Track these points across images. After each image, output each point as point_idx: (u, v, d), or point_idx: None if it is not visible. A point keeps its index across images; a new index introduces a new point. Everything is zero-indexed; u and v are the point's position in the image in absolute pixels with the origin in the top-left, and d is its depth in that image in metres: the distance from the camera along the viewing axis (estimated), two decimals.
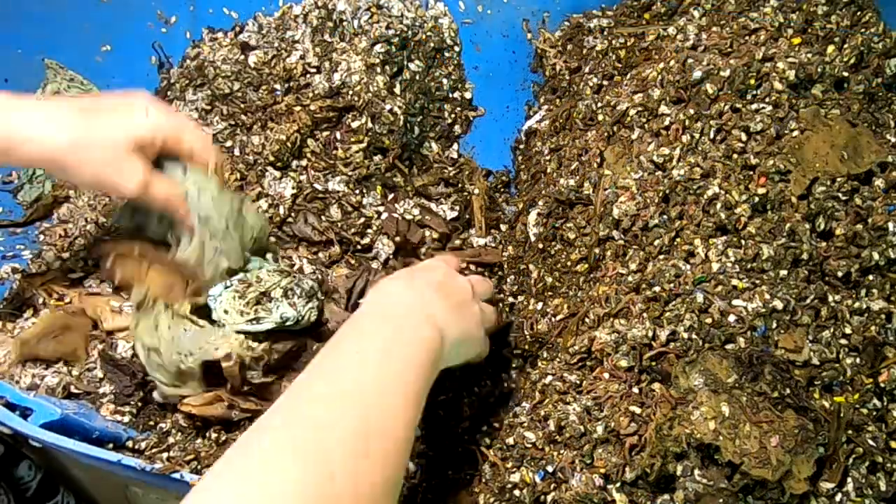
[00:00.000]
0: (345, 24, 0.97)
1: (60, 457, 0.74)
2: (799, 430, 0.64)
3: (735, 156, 0.76)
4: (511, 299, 0.91)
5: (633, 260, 0.76)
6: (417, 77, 0.99)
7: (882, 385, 0.70)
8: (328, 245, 0.85)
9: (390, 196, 0.90)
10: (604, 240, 0.79)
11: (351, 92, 0.91)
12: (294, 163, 0.90)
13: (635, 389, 0.68)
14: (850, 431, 0.67)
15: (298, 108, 0.90)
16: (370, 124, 0.91)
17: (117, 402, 0.74)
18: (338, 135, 0.91)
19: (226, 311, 0.70)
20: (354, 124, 0.91)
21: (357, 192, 0.88)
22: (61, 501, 0.82)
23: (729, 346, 0.68)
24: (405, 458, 0.53)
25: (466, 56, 1.05)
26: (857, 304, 0.71)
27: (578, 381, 0.73)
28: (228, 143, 0.91)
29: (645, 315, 0.71)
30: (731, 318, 0.69)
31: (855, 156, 0.75)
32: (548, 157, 0.94)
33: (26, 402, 0.66)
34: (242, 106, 0.92)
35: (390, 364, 0.55)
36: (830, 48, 0.81)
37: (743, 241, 0.73)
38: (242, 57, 0.95)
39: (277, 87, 0.93)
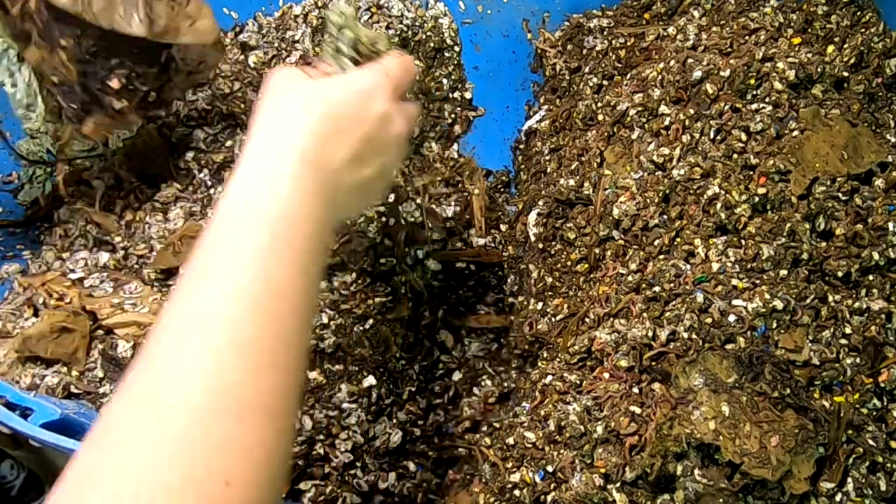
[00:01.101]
0: None
1: (54, 457, 0.74)
2: (799, 430, 0.64)
3: (735, 156, 0.76)
4: (511, 299, 0.91)
5: (633, 260, 0.76)
6: (417, 77, 0.99)
7: (882, 385, 0.70)
8: None
9: (391, 197, 0.90)
10: (604, 240, 0.79)
11: None
12: None
13: (635, 389, 0.68)
14: (850, 431, 0.67)
15: None
16: None
17: None
18: None
19: None
20: None
21: None
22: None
23: (729, 346, 0.68)
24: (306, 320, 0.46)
25: (466, 56, 1.05)
26: (857, 304, 0.71)
27: (578, 381, 0.73)
28: (228, 143, 0.91)
29: (645, 315, 0.72)
30: (731, 317, 0.69)
31: (855, 156, 0.75)
32: (548, 157, 0.94)
33: (26, 402, 0.66)
34: (242, 106, 0.92)
35: (272, 293, 0.44)
36: (830, 48, 0.81)
37: (743, 241, 0.73)
38: (242, 57, 0.95)
39: None
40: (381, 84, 0.55)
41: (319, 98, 0.52)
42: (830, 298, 0.71)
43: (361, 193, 0.56)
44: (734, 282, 0.70)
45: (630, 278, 0.75)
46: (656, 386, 0.68)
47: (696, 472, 0.64)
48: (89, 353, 0.77)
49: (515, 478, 0.71)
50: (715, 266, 0.71)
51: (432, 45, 1.01)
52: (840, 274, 0.72)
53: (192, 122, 0.92)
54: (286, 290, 0.45)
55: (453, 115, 1.04)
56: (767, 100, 0.78)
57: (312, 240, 0.48)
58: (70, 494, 0.39)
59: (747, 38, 0.83)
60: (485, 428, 0.81)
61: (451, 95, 1.04)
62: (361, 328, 0.81)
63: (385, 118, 0.55)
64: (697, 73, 0.81)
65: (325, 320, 0.80)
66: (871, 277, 0.73)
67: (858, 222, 0.73)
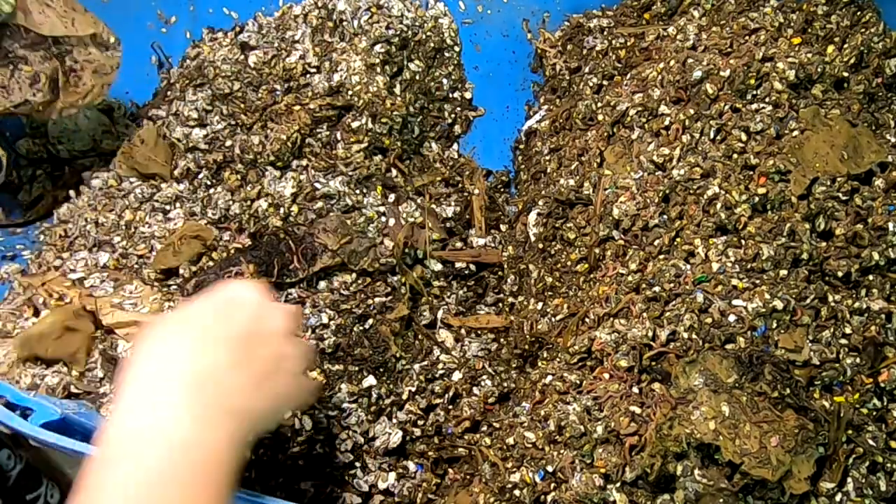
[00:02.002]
0: (345, 24, 0.97)
1: (53, 453, 0.74)
2: (799, 430, 0.64)
3: (735, 156, 0.76)
4: (511, 299, 0.91)
5: (633, 260, 0.76)
6: (417, 77, 0.99)
7: (882, 385, 0.70)
8: None
9: (391, 197, 0.90)
10: (604, 240, 0.79)
11: (351, 92, 0.91)
12: (294, 162, 0.90)
13: (635, 389, 0.68)
14: (850, 431, 0.67)
15: (298, 108, 0.90)
16: (370, 124, 0.91)
17: None
18: (338, 135, 0.91)
19: None
20: (354, 124, 0.91)
21: (357, 191, 0.88)
22: (45, 494, 0.82)
23: (729, 346, 0.68)
24: None
25: (466, 56, 1.05)
26: (857, 304, 0.71)
27: (578, 381, 0.73)
28: (228, 143, 0.91)
29: (645, 315, 0.71)
30: (731, 318, 0.69)
31: (855, 156, 0.75)
32: (548, 157, 0.94)
33: (26, 402, 0.66)
34: (242, 106, 0.92)
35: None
36: (830, 48, 0.81)
37: (743, 241, 0.73)
38: (242, 57, 0.95)
39: (277, 87, 0.93)
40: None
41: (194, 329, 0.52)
42: (830, 298, 0.71)
43: (269, 418, 0.56)
44: (734, 282, 0.70)
45: (630, 278, 0.74)
46: (656, 386, 0.68)
47: (696, 472, 0.64)
48: (90, 353, 0.77)
49: (515, 478, 0.71)
50: (715, 266, 0.71)
51: (432, 45, 1.01)
52: (840, 274, 0.72)
53: (193, 122, 0.92)
54: None
55: (453, 115, 1.04)
56: (767, 100, 0.78)
57: (206, 465, 0.47)
58: None
59: (747, 38, 0.83)
60: (485, 428, 0.81)
61: (451, 95, 1.04)
62: (361, 328, 0.81)
63: (260, 314, 0.55)
64: (697, 73, 0.81)
65: (325, 320, 0.80)
66: (871, 277, 0.73)
67: (858, 222, 0.73)
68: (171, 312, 0.55)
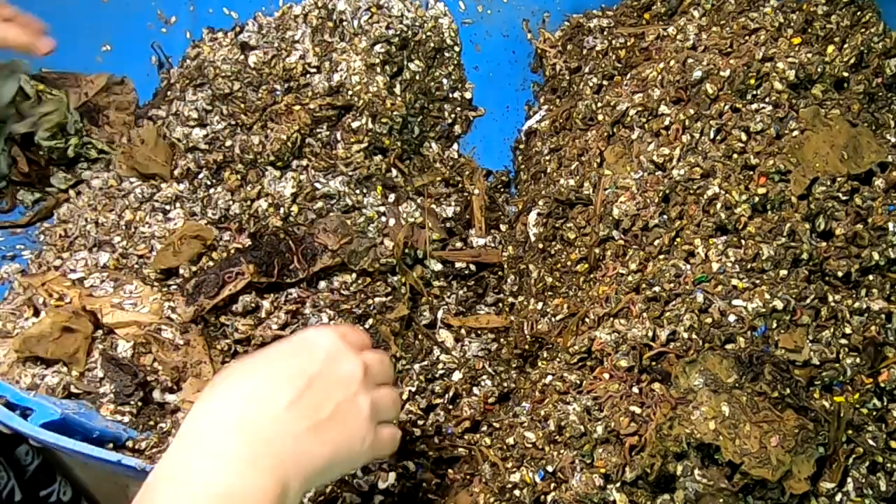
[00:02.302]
0: (345, 24, 0.97)
1: (61, 454, 0.75)
2: (799, 430, 0.64)
3: (735, 156, 0.76)
4: (511, 299, 0.91)
5: (633, 260, 0.76)
6: (417, 77, 0.99)
7: (882, 385, 0.70)
8: None
9: (391, 197, 0.90)
10: (604, 240, 0.79)
11: (351, 92, 0.91)
12: (294, 162, 0.90)
13: (635, 389, 0.68)
14: (850, 431, 0.67)
15: (298, 108, 0.90)
16: (370, 124, 0.91)
17: (117, 402, 0.74)
18: (338, 135, 0.91)
19: None
20: (354, 124, 0.91)
21: (357, 192, 0.88)
22: (58, 490, 0.82)
23: (729, 346, 0.68)
24: None
25: (466, 56, 1.05)
26: (857, 304, 0.71)
27: (578, 381, 0.73)
28: (228, 143, 0.91)
29: (645, 315, 0.72)
30: (731, 318, 0.69)
31: (855, 156, 0.75)
32: (548, 157, 0.94)
33: (26, 401, 0.66)
34: (242, 106, 0.92)
35: None
36: (830, 48, 0.81)
37: (743, 241, 0.73)
38: (242, 57, 0.95)
39: (277, 87, 0.93)
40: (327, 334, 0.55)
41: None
42: (830, 298, 0.71)
43: (328, 475, 0.53)
44: (734, 282, 0.70)
45: (630, 278, 0.75)
46: (656, 386, 0.68)
47: (696, 472, 0.64)
48: (89, 353, 0.77)
49: (515, 478, 0.71)
50: (715, 266, 0.71)
51: (432, 45, 1.01)
52: (840, 274, 0.72)
53: (193, 122, 0.92)
54: None
55: (453, 115, 1.04)
56: (767, 100, 0.78)
57: None
58: None
59: (747, 38, 0.83)
60: (485, 428, 0.81)
61: (451, 95, 1.04)
62: (361, 328, 0.81)
63: (330, 357, 0.53)
64: (697, 73, 0.81)
65: (326, 320, 0.80)
66: (871, 277, 0.73)
67: (858, 222, 0.73)
68: (246, 357, 0.53)
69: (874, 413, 0.69)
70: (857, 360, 0.69)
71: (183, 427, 0.48)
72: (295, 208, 0.85)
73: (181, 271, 0.82)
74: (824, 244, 0.73)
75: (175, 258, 0.81)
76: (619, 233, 0.78)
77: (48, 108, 0.91)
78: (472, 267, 0.92)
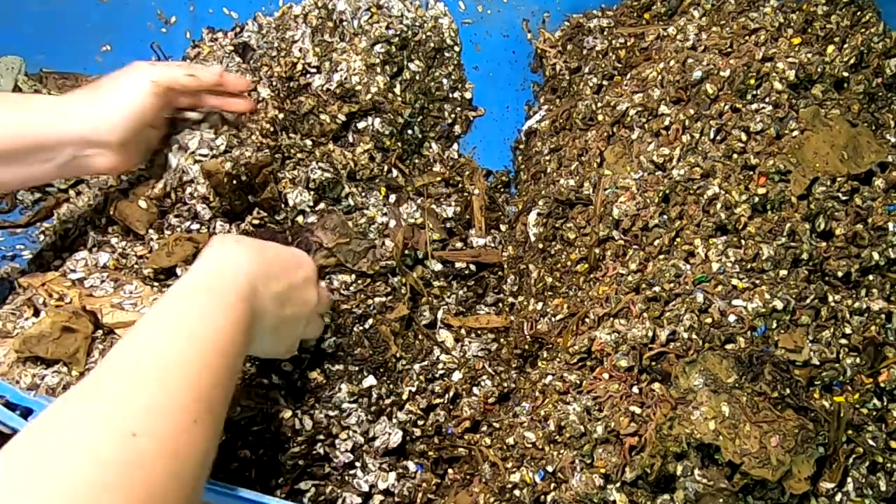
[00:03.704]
0: (345, 24, 0.97)
1: None
2: (799, 430, 0.64)
3: (735, 156, 0.76)
4: (511, 299, 0.91)
5: (633, 260, 0.76)
6: (417, 77, 0.99)
7: (882, 385, 0.70)
8: None
9: (393, 198, 0.90)
10: (604, 240, 0.79)
11: (361, 94, 0.91)
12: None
13: (635, 389, 0.68)
14: (850, 431, 0.67)
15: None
16: (376, 126, 0.91)
17: None
18: (351, 137, 0.91)
19: None
20: (361, 125, 0.91)
21: (361, 193, 0.88)
22: None
23: (729, 346, 0.68)
24: (209, 433, 0.52)
25: (466, 56, 1.05)
26: (857, 304, 0.71)
27: (578, 381, 0.73)
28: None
29: (645, 315, 0.72)
30: (731, 318, 0.69)
31: (855, 156, 0.75)
32: (548, 157, 0.94)
33: (26, 401, 0.66)
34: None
35: (191, 339, 0.53)
36: (830, 48, 0.81)
37: (743, 241, 0.73)
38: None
39: (278, 87, 0.93)
40: (310, 261, 0.72)
41: (262, 245, 0.66)
42: (830, 298, 0.71)
43: (278, 334, 0.66)
44: (734, 282, 0.70)
45: (630, 278, 0.75)
46: (656, 386, 0.68)
47: (696, 472, 0.64)
48: (90, 353, 0.77)
49: (515, 478, 0.71)
50: (715, 266, 0.71)
51: (432, 45, 1.01)
52: (840, 274, 0.72)
53: (193, 123, 0.92)
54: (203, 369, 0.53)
55: (453, 115, 1.04)
56: (767, 100, 0.78)
57: (225, 355, 0.55)
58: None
59: (747, 38, 0.83)
60: (485, 428, 0.81)
61: (451, 95, 1.04)
62: (361, 328, 0.81)
63: (307, 280, 0.69)
64: (697, 73, 0.81)
65: (326, 320, 0.80)
66: (871, 277, 0.73)
67: (858, 222, 0.73)
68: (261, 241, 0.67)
69: (874, 413, 0.69)
70: (857, 360, 0.69)
71: (195, 267, 0.60)
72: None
73: (178, 272, 0.82)
74: (824, 244, 0.73)
75: (168, 259, 0.81)
76: (619, 233, 0.78)
77: None
78: (472, 267, 0.92)
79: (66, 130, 0.73)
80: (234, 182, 0.80)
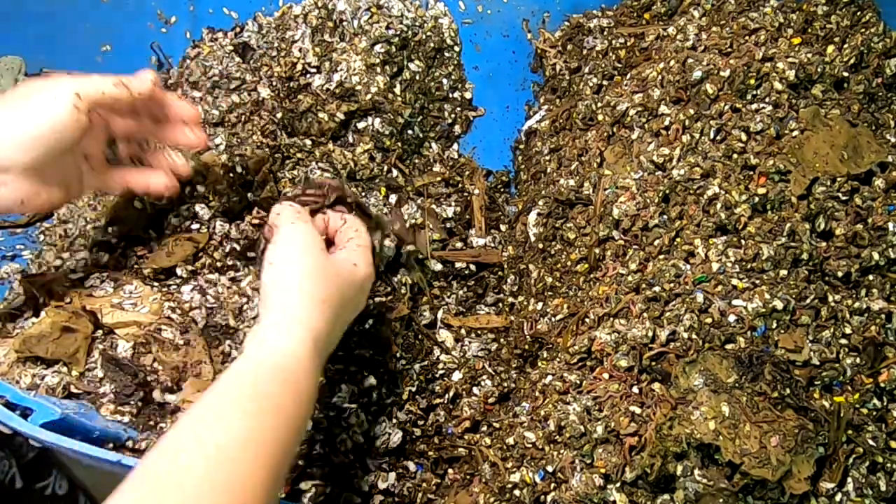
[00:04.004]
0: (345, 24, 0.97)
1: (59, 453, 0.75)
2: (799, 430, 0.64)
3: (735, 156, 0.76)
4: (511, 299, 0.91)
5: (633, 260, 0.76)
6: (417, 77, 0.99)
7: (882, 385, 0.70)
8: None
9: (393, 198, 0.90)
10: (604, 240, 0.79)
11: (361, 94, 0.91)
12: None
13: (635, 389, 0.68)
14: (850, 431, 0.67)
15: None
16: (376, 126, 0.91)
17: (117, 402, 0.74)
18: (351, 137, 0.91)
19: None
20: (361, 125, 0.91)
21: (362, 193, 0.88)
22: (53, 484, 0.82)
23: (729, 346, 0.68)
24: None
25: (466, 56, 1.05)
26: (857, 304, 0.71)
27: (578, 381, 0.73)
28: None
29: (645, 315, 0.72)
30: (731, 318, 0.69)
31: (855, 156, 0.75)
32: (548, 157, 0.94)
33: (26, 401, 0.66)
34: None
35: (261, 417, 0.53)
36: (830, 48, 0.81)
37: (743, 241, 0.73)
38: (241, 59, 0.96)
39: (278, 86, 0.93)
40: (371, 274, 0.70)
41: (331, 284, 0.63)
42: (830, 298, 0.71)
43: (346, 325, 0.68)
44: (734, 282, 0.70)
45: (630, 278, 0.75)
46: (656, 386, 0.68)
47: (696, 472, 0.64)
48: (90, 353, 0.77)
49: (515, 478, 0.71)
50: (715, 266, 0.71)
51: (432, 45, 1.01)
52: (840, 274, 0.72)
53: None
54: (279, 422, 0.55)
55: (453, 115, 1.04)
56: (767, 100, 0.78)
57: (303, 387, 0.57)
58: None
59: (747, 38, 0.83)
60: (485, 428, 0.81)
61: (451, 95, 1.04)
62: (361, 328, 0.81)
63: (365, 281, 0.69)
64: (697, 73, 0.81)
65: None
66: (871, 277, 0.73)
67: (858, 222, 0.73)
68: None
69: (874, 413, 0.69)
70: (857, 360, 0.69)
71: (264, 324, 0.60)
72: None
73: (178, 272, 0.82)
74: (824, 244, 0.73)
75: (168, 259, 0.81)
76: (619, 233, 0.78)
77: None
78: (472, 267, 0.92)
79: None
80: (231, 175, 0.79)
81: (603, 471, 0.66)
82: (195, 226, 0.82)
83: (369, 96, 0.91)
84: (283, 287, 0.61)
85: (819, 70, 0.78)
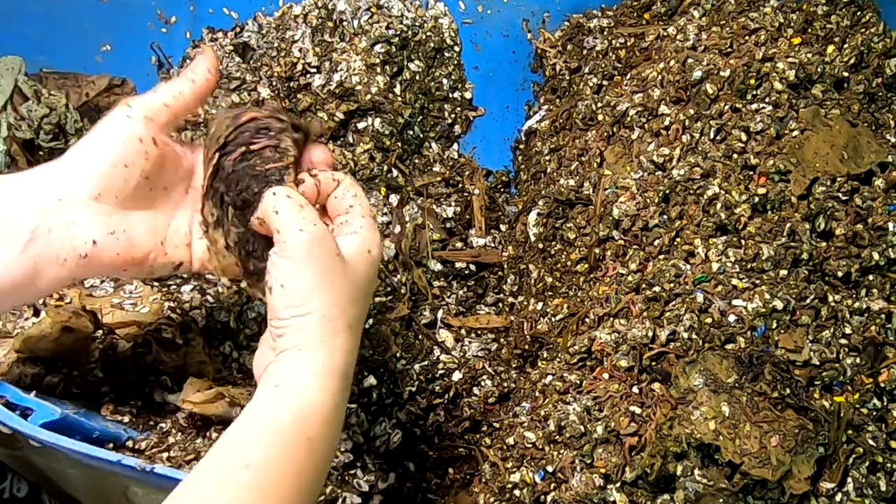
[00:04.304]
0: (345, 24, 0.97)
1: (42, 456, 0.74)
2: (799, 430, 0.64)
3: (735, 156, 0.76)
4: (511, 299, 0.91)
5: (633, 260, 0.76)
6: (417, 77, 0.99)
7: (882, 385, 0.70)
8: None
9: (393, 198, 0.90)
10: (604, 240, 0.79)
11: (361, 93, 0.91)
12: None
13: (635, 389, 0.68)
14: (850, 431, 0.67)
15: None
16: (376, 126, 0.91)
17: (117, 402, 0.74)
18: (350, 137, 0.91)
19: None
20: (360, 125, 0.91)
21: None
22: (10, 489, 0.81)
23: (729, 346, 0.68)
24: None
25: (466, 56, 1.05)
26: (857, 304, 0.71)
27: (578, 381, 0.73)
28: None
29: (645, 315, 0.72)
30: (731, 318, 0.69)
31: (855, 156, 0.75)
32: (548, 157, 0.94)
33: (26, 401, 0.66)
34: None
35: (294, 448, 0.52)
36: (830, 48, 0.81)
37: (743, 241, 0.73)
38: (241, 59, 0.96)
39: (278, 86, 0.93)
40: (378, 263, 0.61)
41: (354, 299, 0.57)
42: (830, 298, 0.71)
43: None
44: (734, 282, 0.70)
45: (630, 278, 0.75)
46: (656, 386, 0.68)
47: (696, 472, 0.64)
48: (90, 353, 0.77)
49: (515, 478, 0.71)
50: (715, 266, 0.71)
51: (432, 45, 1.01)
52: (840, 274, 0.72)
53: (194, 126, 0.92)
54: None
55: (453, 115, 1.04)
56: (767, 100, 0.78)
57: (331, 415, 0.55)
58: None
59: (747, 38, 0.83)
60: (485, 428, 0.81)
61: (451, 95, 1.04)
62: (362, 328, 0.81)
63: (374, 280, 0.60)
64: (697, 73, 0.81)
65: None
66: (871, 277, 0.73)
67: (858, 222, 0.73)
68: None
69: (874, 413, 0.69)
70: (857, 360, 0.69)
71: (284, 363, 0.54)
72: None
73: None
74: (824, 244, 0.73)
75: None
76: (619, 233, 0.78)
77: (46, 109, 0.91)
78: (472, 267, 0.92)
79: (13, 203, 0.54)
80: None
81: (603, 471, 0.66)
82: None
83: (369, 96, 0.91)
84: (299, 314, 0.54)
85: (819, 70, 0.78)
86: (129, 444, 0.72)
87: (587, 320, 0.76)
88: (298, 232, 0.53)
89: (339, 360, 0.55)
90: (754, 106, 0.78)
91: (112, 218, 0.57)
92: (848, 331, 0.70)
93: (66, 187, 0.55)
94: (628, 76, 0.90)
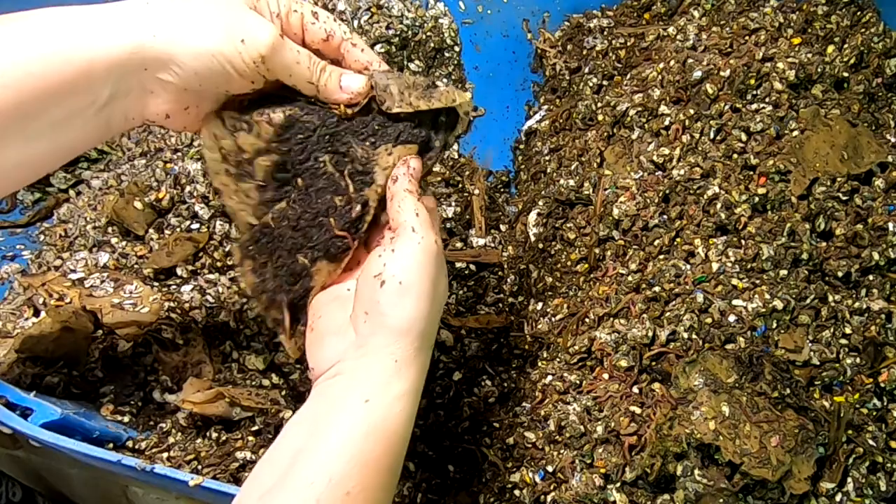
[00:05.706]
0: (345, 24, 0.97)
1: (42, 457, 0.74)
2: (799, 430, 0.64)
3: (735, 156, 0.76)
4: (511, 299, 0.91)
5: (633, 260, 0.76)
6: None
7: (882, 385, 0.70)
8: None
9: None
10: (604, 240, 0.79)
11: None
12: None
13: (635, 389, 0.68)
14: (850, 431, 0.67)
15: None
16: None
17: (117, 402, 0.74)
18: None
19: None
20: None
21: None
22: (6, 494, 0.81)
23: (729, 346, 0.68)
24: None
25: (466, 56, 1.05)
26: (857, 304, 0.71)
27: (578, 381, 0.73)
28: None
29: (645, 315, 0.72)
30: (731, 318, 0.69)
31: (855, 156, 0.75)
32: (548, 157, 0.94)
33: (26, 401, 0.66)
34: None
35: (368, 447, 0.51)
36: (830, 48, 0.81)
37: (743, 241, 0.73)
38: None
39: None
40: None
41: (439, 312, 0.57)
42: (830, 298, 0.71)
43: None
44: (734, 282, 0.70)
45: (630, 278, 0.75)
46: (656, 386, 0.68)
47: (696, 472, 0.64)
48: (90, 353, 0.77)
49: (515, 478, 0.71)
50: (715, 266, 0.71)
51: (432, 45, 1.01)
52: (840, 274, 0.72)
53: None
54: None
55: None
56: (767, 100, 0.78)
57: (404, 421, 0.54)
58: None
59: (747, 38, 0.83)
60: (485, 428, 0.81)
61: None
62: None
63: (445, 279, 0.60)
64: (697, 73, 0.81)
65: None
66: (871, 277, 0.73)
67: (858, 222, 0.73)
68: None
69: (874, 413, 0.69)
70: (857, 360, 0.69)
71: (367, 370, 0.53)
72: None
73: (178, 271, 0.82)
74: (824, 244, 0.73)
75: (168, 259, 0.81)
76: (619, 233, 0.78)
77: None
78: (472, 267, 0.92)
79: (107, 41, 0.49)
80: None
81: (603, 471, 0.66)
82: (195, 226, 0.82)
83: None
84: (399, 320, 0.53)
85: (819, 70, 0.78)
86: (129, 444, 0.72)
87: (587, 320, 0.76)
88: (421, 239, 0.54)
89: (420, 381, 0.54)
90: (754, 106, 0.78)
91: (189, 92, 0.53)
92: (848, 331, 0.70)
93: (177, 35, 0.50)
94: (628, 76, 0.90)
